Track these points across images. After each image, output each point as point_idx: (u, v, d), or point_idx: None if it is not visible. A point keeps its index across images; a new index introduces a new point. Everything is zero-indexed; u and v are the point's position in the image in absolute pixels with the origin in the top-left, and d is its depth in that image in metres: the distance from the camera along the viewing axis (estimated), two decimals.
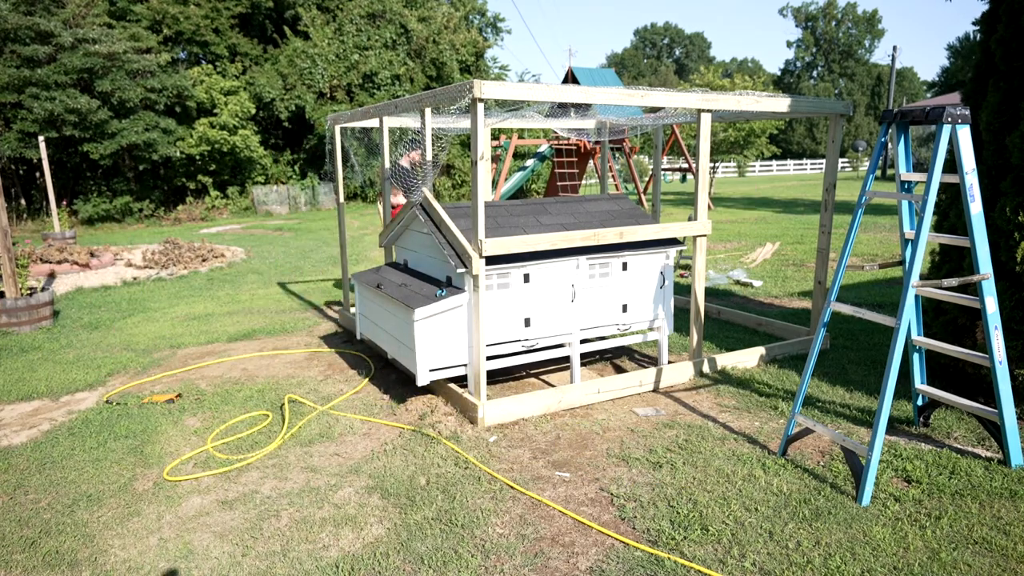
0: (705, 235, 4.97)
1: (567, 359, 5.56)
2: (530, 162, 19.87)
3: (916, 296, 3.67)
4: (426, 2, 25.62)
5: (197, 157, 20.16)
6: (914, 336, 3.90)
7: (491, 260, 4.39)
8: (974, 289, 3.82)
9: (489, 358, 4.67)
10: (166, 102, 18.99)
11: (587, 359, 5.65)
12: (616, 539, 3.02)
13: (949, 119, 3.31)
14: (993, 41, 4.19)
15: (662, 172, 25.37)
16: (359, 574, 2.81)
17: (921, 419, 4.08)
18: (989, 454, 3.71)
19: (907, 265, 3.43)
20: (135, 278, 9.96)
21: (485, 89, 3.88)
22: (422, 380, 4.40)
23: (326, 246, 13.56)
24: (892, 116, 3.60)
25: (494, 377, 5.22)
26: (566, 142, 17.49)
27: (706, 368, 5.18)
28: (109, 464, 3.86)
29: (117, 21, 20.05)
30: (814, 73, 69.70)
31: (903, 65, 75.27)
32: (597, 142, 15.29)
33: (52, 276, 9.48)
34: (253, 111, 21.19)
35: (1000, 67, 4.15)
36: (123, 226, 18.29)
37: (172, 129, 19.13)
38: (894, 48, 38.38)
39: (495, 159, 18.08)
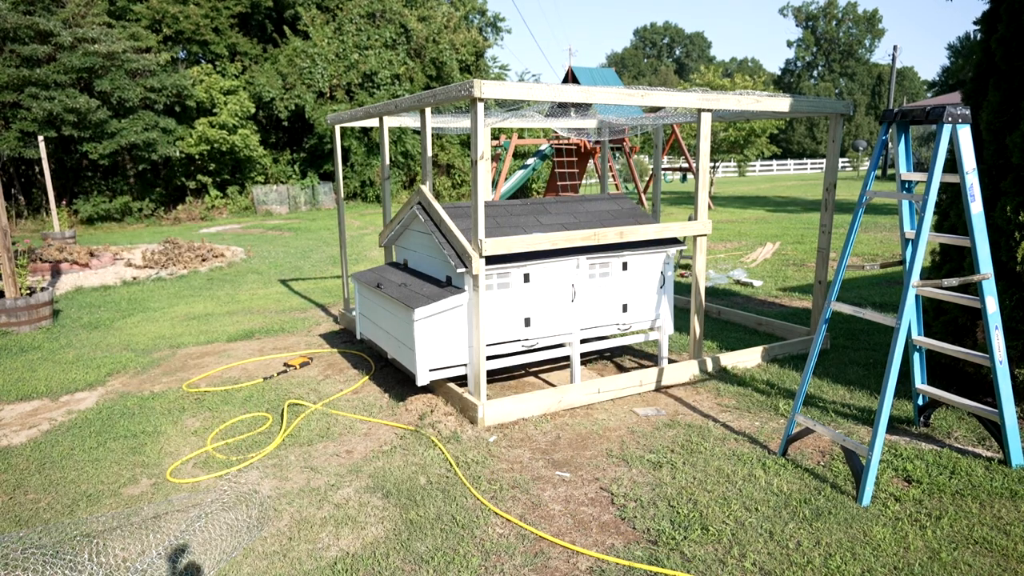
0: (705, 235, 4.97)
1: (567, 359, 5.56)
2: (531, 160, 19.88)
3: (916, 296, 3.67)
4: (426, 2, 25.61)
5: (197, 157, 20.15)
6: (914, 336, 3.89)
7: (491, 260, 4.39)
8: (974, 289, 3.82)
9: (489, 358, 4.66)
10: (166, 102, 18.98)
11: (587, 358, 5.65)
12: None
13: (950, 119, 3.31)
14: (994, 41, 4.18)
15: (662, 172, 25.37)
16: (359, 574, 2.81)
17: (921, 419, 4.08)
18: (989, 454, 3.71)
19: (907, 265, 3.43)
20: (135, 278, 9.96)
21: (485, 89, 3.87)
22: (422, 380, 4.40)
23: (326, 246, 13.56)
24: (892, 116, 3.60)
25: (494, 377, 5.22)
26: (566, 142, 17.48)
27: (707, 368, 5.18)
28: (109, 464, 3.86)
29: (117, 20, 20.04)
30: (814, 73, 69.67)
31: (903, 65, 75.29)
32: (597, 142, 15.29)
33: (57, 274, 9.48)
34: (253, 110, 21.19)
35: (1001, 67, 4.15)
36: (123, 226, 18.29)
37: (172, 129, 19.13)
38: (894, 48, 38.35)
39: (495, 158, 18.08)
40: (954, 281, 3.36)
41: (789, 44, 71.60)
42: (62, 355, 6.10)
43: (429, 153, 5.03)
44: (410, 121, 6.80)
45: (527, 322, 4.69)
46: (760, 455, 3.77)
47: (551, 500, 3.36)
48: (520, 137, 18.67)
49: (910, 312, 3.32)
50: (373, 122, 6.71)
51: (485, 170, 4.78)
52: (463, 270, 4.22)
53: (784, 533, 3.01)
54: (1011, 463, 3.54)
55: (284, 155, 23.71)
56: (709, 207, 16.13)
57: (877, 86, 63.16)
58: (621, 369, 5.42)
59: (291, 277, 10.06)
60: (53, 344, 6.47)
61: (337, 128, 6.91)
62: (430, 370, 4.42)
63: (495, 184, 17.57)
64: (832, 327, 6.31)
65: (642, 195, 18.99)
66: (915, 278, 3.33)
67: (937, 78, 57.13)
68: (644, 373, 4.85)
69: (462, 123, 6.92)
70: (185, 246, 11.76)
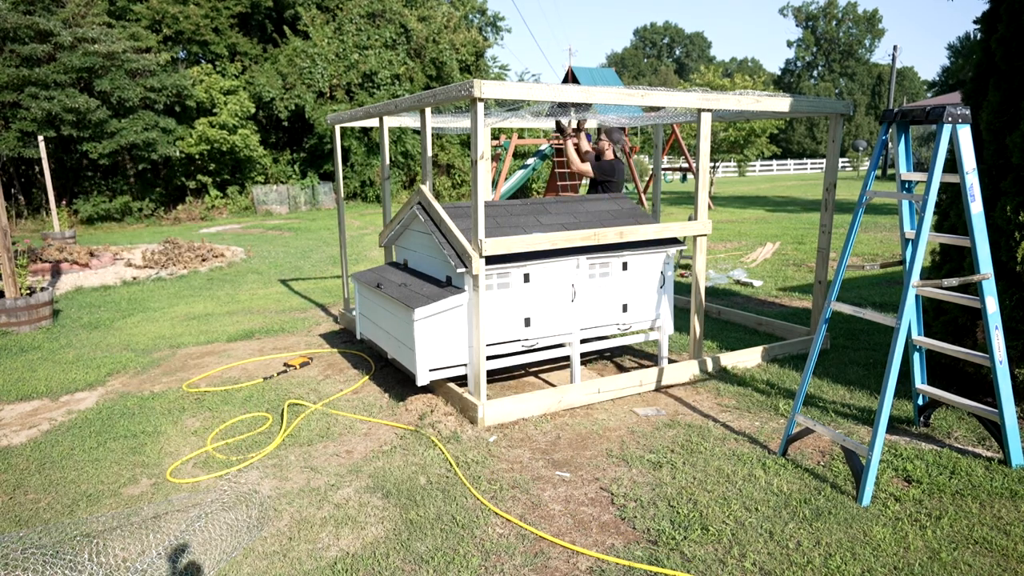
0: (705, 235, 4.97)
1: (567, 359, 5.56)
2: (531, 160, 19.88)
3: (916, 296, 3.67)
4: (426, 1, 25.60)
5: (196, 156, 20.15)
6: (914, 336, 3.89)
7: (491, 260, 4.39)
8: (974, 289, 3.82)
9: (489, 358, 4.66)
10: (165, 101, 18.97)
11: (587, 359, 5.65)
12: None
13: (950, 119, 3.31)
14: (994, 40, 4.18)
15: (662, 172, 25.32)
16: (359, 574, 2.81)
17: (921, 419, 4.08)
18: (989, 454, 3.71)
19: (907, 265, 3.43)
20: (135, 278, 9.96)
21: (485, 89, 3.87)
22: (422, 380, 4.40)
23: (326, 246, 13.56)
24: (892, 116, 3.60)
25: (494, 377, 5.22)
26: None
27: (707, 368, 5.18)
28: (109, 464, 3.86)
29: (117, 20, 20.03)
30: (814, 73, 69.67)
31: (903, 65, 75.27)
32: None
33: (57, 274, 9.48)
34: (253, 110, 21.18)
35: (1001, 66, 4.15)
36: (123, 225, 18.28)
37: (171, 128, 19.12)
38: (894, 48, 38.34)
39: (495, 159, 18.07)
40: (954, 281, 3.36)
41: (789, 44, 71.62)
42: (62, 355, 6.10)
43: (429, 153, 5.03)
44: (410, 121, 6.80)
45: (527, 322, 4.69)
46: (760, 455, 3.77)
47: (551, 500, 3.36)
48: (520, 137, 18.66)
49: (910, 312, 3.32)
50: (373, 122, 6.71)
51: (485, 170, 4.78)
52: (463, 270, 4.22)
53: (784, 533, 3.01)
54: (1011, 463, 3.54)
55: (284, 155, 23.71)
56: (709, 207, 16.13)
57: (877, 86, 63.16)
58: (621, 369, 5.42)
59: (291, 277, 10.06)
60: (53, 344, 6.47)
61: (337, 128, 6.91)
62: (430, 370, 4.42)
63: (495, 184, 17.56)
64: (832, 327, 6.31)
65: (642, 195, 18.98)
66: (915, 278, 3.33)
67: (937, 78, 57.12)
68: (644, 373, 4.85)
69: (462, 123, 6.92)
70: (185, 246, 11.76)
